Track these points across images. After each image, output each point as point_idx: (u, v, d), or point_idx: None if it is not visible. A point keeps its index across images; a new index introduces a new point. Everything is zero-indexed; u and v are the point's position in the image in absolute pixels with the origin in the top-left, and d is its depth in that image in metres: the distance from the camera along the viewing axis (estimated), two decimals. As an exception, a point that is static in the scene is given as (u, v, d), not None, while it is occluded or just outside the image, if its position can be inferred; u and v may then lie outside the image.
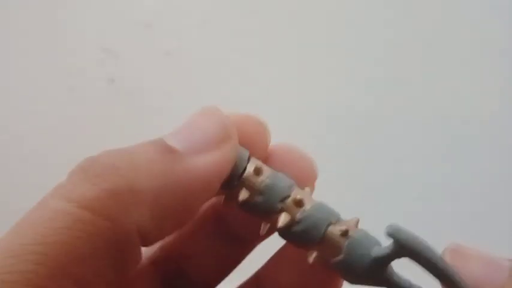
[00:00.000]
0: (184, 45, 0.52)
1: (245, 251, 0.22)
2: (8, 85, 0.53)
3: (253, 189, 0.19)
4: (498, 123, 0.51)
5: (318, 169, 0.21)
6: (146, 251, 0.21)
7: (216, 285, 0.21)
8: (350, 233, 0.19)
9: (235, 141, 0.18)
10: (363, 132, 0.50)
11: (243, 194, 0.19)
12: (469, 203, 0.50)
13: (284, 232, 0.19)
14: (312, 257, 0.19)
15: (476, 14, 0.52)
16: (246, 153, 0.19)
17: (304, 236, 0.19)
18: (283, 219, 0.19)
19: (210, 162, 0.17)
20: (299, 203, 0.19)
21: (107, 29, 0.52)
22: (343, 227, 0.19)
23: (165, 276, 0.21)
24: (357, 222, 0.19)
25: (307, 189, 0.20)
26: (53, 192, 0.16)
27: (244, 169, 0.19)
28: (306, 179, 0.20)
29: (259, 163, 0.19)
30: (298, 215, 0.19)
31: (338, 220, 0.19)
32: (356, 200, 0.49)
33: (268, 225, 0.19)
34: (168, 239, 0.21)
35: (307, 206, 0.19)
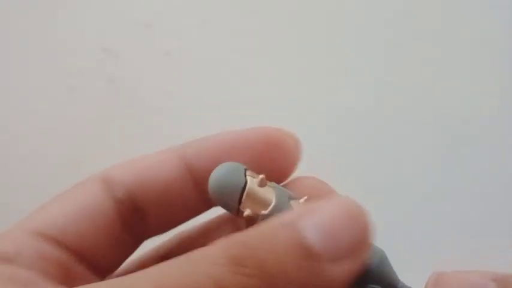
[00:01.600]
0: (184, 45, 0.52)
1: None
2: (8, 85, 0.53)
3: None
4: (498, 123, 0.51)
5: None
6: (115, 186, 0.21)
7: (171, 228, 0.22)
8: None
9: (369, 246, 0.16)
10: (363, 132, 0.50)
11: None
12: (469, 203, 0.50)
13: None
14: None
15: (476, 14, 0.52)
16: (286, 195, 0.20)
17: None
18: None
19: (347, 272, 0.15)
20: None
21: (107, 29, 0.52)
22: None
23: (124, 214, 0.21)
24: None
25: None
26: (203, 267, 0.15)
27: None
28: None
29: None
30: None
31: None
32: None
33: None
34: (133, 178, 0.21)
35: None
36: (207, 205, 0.22)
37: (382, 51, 0.52)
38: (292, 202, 0.20)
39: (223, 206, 0.20)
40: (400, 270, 0.20)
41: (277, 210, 0.19)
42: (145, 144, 0.52)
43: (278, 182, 0.21)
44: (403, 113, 0.51)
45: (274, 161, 0.21)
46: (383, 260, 0.20)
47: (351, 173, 0.50)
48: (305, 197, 0.20)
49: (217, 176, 0.20)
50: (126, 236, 0.21)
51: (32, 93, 0.52)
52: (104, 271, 0.21)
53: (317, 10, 0.52)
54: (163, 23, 0.52)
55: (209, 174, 0.20)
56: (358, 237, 0.16)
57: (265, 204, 0.19)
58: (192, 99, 0.52)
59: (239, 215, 0.20)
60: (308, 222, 0.15)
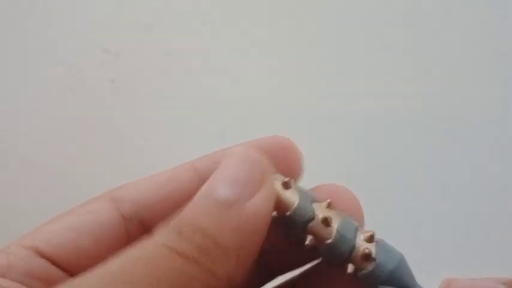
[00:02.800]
0: (184, 45, 0.52)
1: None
2: (8, 85, 0.53)
3: (321, 239, 0.20)
4: (498, 123, 0.51)
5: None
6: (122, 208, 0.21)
7: None
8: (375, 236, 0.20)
9: (270, 171, 0.19)
10: (362, 132, 0.50)
11: (310, 241, 0.20)
12: (469, 203, 0.50)
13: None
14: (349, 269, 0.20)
15: (476, 13, 0.52)
16: (309, 197, 0.20)
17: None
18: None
19: (261, 202, 0.18)
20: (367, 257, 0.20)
21: (107, 29, 0.52)
22: (367, 250, 0.20)
23: (133, 232, 0.21)
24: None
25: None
26: (158, 240, 0.17)
27: (310, 217, 0.20)
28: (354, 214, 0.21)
29: (326, 212, 0.20)
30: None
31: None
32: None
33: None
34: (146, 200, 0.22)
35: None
36: None
37: (381, 51, 0.52)
38: (315, 205, 0.20)
39: None
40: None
41: (299, 211, 0.20)
42: (145, 144, 0.52)
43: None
44: (403, 113, 0.51)
45: (287, 168, 0.22)
46: (401, 263, 0.20)
47: (350, 172, 0.50)
48: (328, 200, 0.21)
49: None
50: None
51: (32, 93, 0.52)
52: None
53: (318, 10, 0.52)
54: (163, 23, 0.52)
55: None
56: (255, 174, 0.18)
57: (288, 205, 0.20)
58: (192, 99, 0.52)
59: None
60: (217, 183, 0.18)
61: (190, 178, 0.22)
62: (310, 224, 0.20)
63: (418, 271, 0.20)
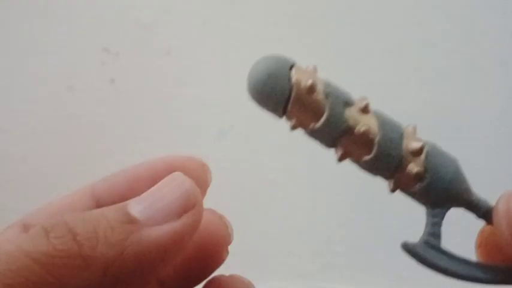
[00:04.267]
0: (184, 45, 0.52)
1: None
2: (8, 85, 0.53)
3: (358, 155, 0.17)
4: (498, 123, 0.51)
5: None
6: None
7: None
8: (425, 149, 0.18)
9: (198, 209, 0.18)
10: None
11: (342, 156, 0.17)
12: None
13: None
14: (391, 185, 0.18)
15: (477, 14, 0.52)
16: (341, 99, 0.17)
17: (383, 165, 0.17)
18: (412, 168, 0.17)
19: (167, 233, 0.17)
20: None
21: (107, 29, 0.52)
22: (418, 144, 0.17)
23: None
24: (415, 127, 0.18)
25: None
26: (13, 238, 0.17)
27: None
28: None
29: (362, 118, 0.17)
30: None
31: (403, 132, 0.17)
32: (356, 200, 0.49)
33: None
34: None
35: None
36: None
37: (381, 51, 0.52)
38: (348, 110, 0.17)
39: (265, 109, 0.17)
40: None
41: (329, 123, 0.16)
42: (145, 143, 0.52)
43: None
44: (403, 113, 0.51)
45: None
46: (455, 168, 0.18)
47: (350, 172, 0.50)
48: (365, 102, 0.17)
49: (254, 79, 0.17)
50: None
51: (32, 93, 0.52)
52: None
53: (317, 10, 0.52)
54: (163, 23, 0.52)
55: None
56: (175, 200, 0.18)
57: (316, 114, 0.17)
58: (192, 99, 0.52)
59: (285, 119, 0.17)
60: (135, 199, 0.18)
61: (87, 204, 0.22)
62: (344, 137, 0.17)
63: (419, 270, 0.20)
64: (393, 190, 0.18)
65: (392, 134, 0.17)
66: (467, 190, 0.18)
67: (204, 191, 0.21)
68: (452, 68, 0.52)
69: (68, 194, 0.22)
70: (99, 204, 0.21)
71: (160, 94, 0.52)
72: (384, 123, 0.17)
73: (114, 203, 0.20)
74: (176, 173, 0.19)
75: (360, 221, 0.50)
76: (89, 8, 0.52)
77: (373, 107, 0.17)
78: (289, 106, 0.16)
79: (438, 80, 0.52)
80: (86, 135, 0.52)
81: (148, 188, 0.19)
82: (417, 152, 0.17)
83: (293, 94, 0.17)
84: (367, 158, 0.17)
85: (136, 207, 0.18)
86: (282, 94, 0.17)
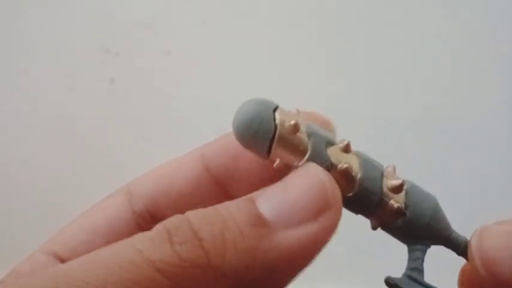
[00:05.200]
0: (184, 45, 0.52)
1: None
2: (8, 85, 0.53)
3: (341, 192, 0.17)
4: (498, 123, 0.51)
5: None
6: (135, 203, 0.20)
7: None
8: (405, 186, 0.18)
9: (337, 209, 0.16)
10: (361, 132, 0.50)
11: None
12: (468, 203, 0.50)
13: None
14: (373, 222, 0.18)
15: (477, 13, 0.52)
16: (323, 139, 0.17)
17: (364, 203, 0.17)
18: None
19: (305, 238, 0.15)
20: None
21: (107, 29, 0.52)
22: (398, 181, 0.17)
23: (144, 227, 0.20)
24: (394, 167, 0.18)
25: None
26: (134, 241, 0.15)
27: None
28: None
29: (344, 157, 0.17)
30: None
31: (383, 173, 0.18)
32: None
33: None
34: (158, 194, 0.20)
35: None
36: None
37: (381, 51, 0.52)
38: (330, 150, 0.17)
39: (250, 150, 0.17)
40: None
41: (313, 161, 0.17)
42: (145, 143, 0.52)
43: None
44: (402, 113, 0.51)
45: None
46: (434, 206, 0.18)
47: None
48: (345, 142, 0.18)
49: (240, 121, 0.17)
50: None
51: (32, 93, 0.52)
52: None
53: (317, 10, 0.52)
54: (163, 23, 0.52)
55: (230, 175, 0.19)
56: (311, 199, 0.16)
57: (299, 153, 0.17)
58: (192, 99, 0.52)
59: (270, 161, 0.17)
60: (263, 194, 0.16)
61: (196, 167, 0.20)
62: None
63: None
64: (375, 227, 0.18)
65: (373, 172, 0.18)
66: (446, 227, 0.18)
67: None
68: (452, 68, 0.52)
69: (176, 158, 0.21)
70: (209, 168, 0.20)
71: (160, 94, 0.52)
72: (365, 161, 0.18)
73: (225, 166, 0.19)
74: (310, 163, 0.17)
75: (360, 221, 0.50)
76: (89, 8, 0.52)
77: (354, 147, 0.18)
78: (274, 145, 0.17)
79: (438, 80, 0.52)
80: (85, 135, 0.52)
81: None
82: (397, 189, 0.18)
83: (277, 134, 0.17)
84: (349, 195, 0.17)
85: (266, 205, 0.15)
86: (267, 134, 0.17)
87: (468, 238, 0.18)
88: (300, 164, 0.17)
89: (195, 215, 0.15)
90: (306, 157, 0.17)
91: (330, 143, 0.18)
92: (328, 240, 0.16)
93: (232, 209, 0.15)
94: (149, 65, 0.52)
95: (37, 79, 0.52)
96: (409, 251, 0.18)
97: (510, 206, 0.49)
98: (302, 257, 0.15)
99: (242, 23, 0.52)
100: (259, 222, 0.15)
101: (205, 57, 0.52)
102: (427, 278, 0.18)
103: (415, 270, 0.18)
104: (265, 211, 0.15)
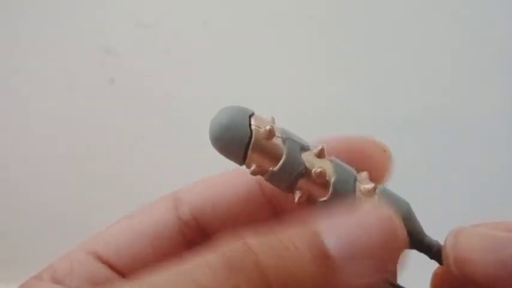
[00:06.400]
0: (184, 45, 0.52)
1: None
2: (8, 85, 0.53)
3: (314, 196, 0.18)
4: (498, 123, 0.51)
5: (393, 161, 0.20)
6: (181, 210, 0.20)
7: None
8: (377, 189, 0.18)
9: (402, 244, 0.16)
10: (361, 132, 0.50)
11: (300, 198, 0.18)
12: (468, 203, 0.50)
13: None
14: None
15: (476, 13, 0.52)
16: (298, 145, 0.18)
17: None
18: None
19: (369, 272, 0.15)
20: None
21: (107, 29, 0.52)
22: (370, 185, 0.18)
23: (191, 237, 0.20)
24: (367, 173, 0.18)
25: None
26: (194, 273, 0.14)
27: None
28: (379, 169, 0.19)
29: (318, 162, 0.18)
30: None
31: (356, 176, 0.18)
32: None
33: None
34: (201, 201, 0.20)
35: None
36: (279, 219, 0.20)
37: (381, 51, 0.52)
38: (304, 155, 0.18)
39: (226, 156, 0.18)
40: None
41: (287, 166, 0.17)
42: (145, 143, 0.52)
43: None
44: (402, 113, 0.51)
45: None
46: (407, 211, 0.18)
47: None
48: (319, 147, 0.18)
49: (216, 127, 0.18)
50: None
51: (32, 93, 0.52)
52: None
53: (317, 10, 0.52)
54: (163, 23, 0.52)
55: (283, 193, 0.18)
56: (377, 233, 0.15)
57: (274, 159, 0.17)
58: (192, 99, 0.52)
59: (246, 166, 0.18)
60: (328, 224, 0.15)
61: (250, 181, 0.20)
62: (301, 180, 0.17)
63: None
64: None
65: (346, 177, 0.18)
66: (419, 231, 0.19)
67: (384, 181, 0.19)
68: (452, 68, 0.52)
69: (223, 173, 0.21)
70: (263, 185, 0.19)
71: (160, 94, 0.52)
72: (338, 166, 0.18)
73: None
74: (383, 211, 0.16)
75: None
76: (89, 7, 0.52)
77: (326, 153, 0.18)
78: (249, 151, 0.17)
79: (438, 80, 0.52)
80: (85, 135, 0.52)
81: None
82: (370, 193, 0.18)
83: (253, 139, 0.17)
84: (323, 199, 0.18)
85: (332, 238, 0.15)
86: (242, 139, 0.17)
87: (441, 243, 0.18)
88: (276, 169, 0.17)
89: (258, 246, 0.15)
90: (281, 162, 0.17)
91: (305, 148, 0.18)
92: (392, 277, 0.16)
93: (294, 237, 0.15)
94: (149, 65, 0.52)
95: (37, 79, 0.52)
96: None
97: (510, 206, 0.49)
98: None
99: (242, 23, 0.52)
100: (325, 257, 0.15)
101: (205, 57, 0.52)
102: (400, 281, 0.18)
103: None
104: (332, 245, 0.15)
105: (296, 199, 0.18)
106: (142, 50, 0.52)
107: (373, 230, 0.15)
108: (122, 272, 0.20)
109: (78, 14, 0.52)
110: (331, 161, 0.18)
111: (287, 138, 0.18)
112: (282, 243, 0.15)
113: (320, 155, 0.18)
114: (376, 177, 0.18)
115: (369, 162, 0.19)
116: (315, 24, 0.52)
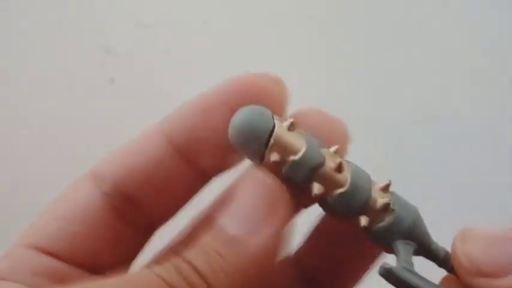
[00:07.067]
0: (184, 45, 0.52)
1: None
2: (8, 85, 0.53)
3: (332, 187, 0.18)
4: (498, 123, 0.51)
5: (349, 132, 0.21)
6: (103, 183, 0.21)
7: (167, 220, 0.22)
8: (390, 187, 0.19)
9: (284, 206, 0.18)
10: (361, 132, 0.50)
11: (319, 189, 0.18)
12: (468, 204, 0.50)
13: (326, 203, 0.19)
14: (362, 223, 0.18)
15: (476, 12, 0.52)
16: (316, 142, 0.19)
17: (349, 205, 0.18)
18: (317, 188, 0.18)
19: (269, 237, 0.17)
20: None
21: (107, 29, 0.52)
22: (385, 182, 0.19)
23: (118, 208, 0.21)
24: (389, 186, 0.19)
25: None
26: (157, 271, 0.17)
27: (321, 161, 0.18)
28: (338, 142, 0.20)
29: (336, 158, 0.18)
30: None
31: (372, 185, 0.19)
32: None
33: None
34: (126, 171, 0.21)
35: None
36: (203, 179, 0.21)
37: (382, 51, 0.52)
38: (323, 150, 0.18)
39: (246, 153, 0.19)
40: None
41: (307, 156, 0.18)
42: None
43: None
44: (402, 113, 0.51)
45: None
46: (416, 218, 0.18)
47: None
48: (335, 147, 0.19)
49: (242, 118, 0.18)
50: (127, 231, 0.20)
51: (31, 93, 0.52)
52: (112, 271, 0.20)
53: (316, 10, 0.52)
54: (163, 23, 0.52)
55: (193, 145, 0.19)
56: (260, 205, 0.17)
57: (294, 150, 0.18)
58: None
59: (263, 163, 0.18)
60: (223, 214, 0.17)
61: (159, 142, 0.21)
62: (320, 171, 0.18)
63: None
64: (363, 226, 0.18)
65: (361, 172, 0.19)
66: (428, 235, 0.19)
67: (283, 110, 0.20)
68: (451, 68, 0.52)
69: (133, 139, 0.21)
70: (174, 143, 0.20)
71: (160, 94, 0.52)
72: (352, 164, 0.19)
73: (187, 140, 0.20)
74: (252, 170, 0.18)
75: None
76: (89, 7, 0.52)
77: (355, 147, 0.20)
78: (272, 140, 0.18)
79: (438, 80, 0.52)
80: (85, 135, 0.52)
81: (222, 116, 0.19)
82: (385, 189, 0.19)
83: (276, 128, 0.18)
84: (341, 190, 0.18)
85: (232, 223, 0.17)
86: (266, 128, 0.18)
87: (445, 245, 0.19)
88: (297, 158, 0.18)
89: (193, 255, 0.17)
90: (303, 151, 0.18)
91: (322, 146, 0.19)
92: (281, 241, 0.17)
93: (212, 238, 0.17)
94: (149, 65, 0.52)
95: (37, 79, 0.52)
96: (397, 250, 0.18)
97: (511, 206, 0.49)
98: (269, 257, 0.17)
99: (242, 23, 0.52)
100: (234, 241, 0.17)
101: (205, 57, 0.52)
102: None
103: (407, 262, 0.18)
104: (234, 230, 0.17)
105: (315, 190, 0.18)
106: (142, 50, 0.52)
107: (250, 200, 0.17)
108: (63, 257, 0.20)
109: (78, 14, 0.52)
110: (347, 160, 0.19)
111: (306, 133, 0.19)
112: (205, 245, 0.17)
113: (337, 152, 0.19)
114: (277, 111, 0.19)
115: (266, 100, 0.19)
116: (315, 24, 0.52)
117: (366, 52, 0.52)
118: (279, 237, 0.17)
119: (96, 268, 0.20)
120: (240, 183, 0.18)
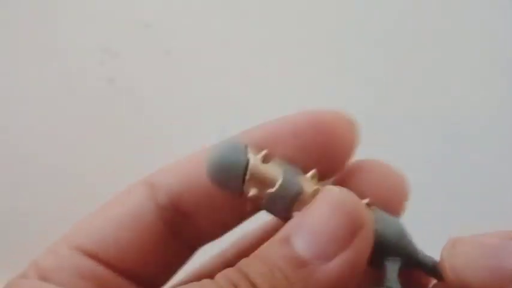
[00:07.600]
0: (184, 45, 0.52)
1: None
2: (8, 85, 0.52)
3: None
4: (498, 123, 0.51)
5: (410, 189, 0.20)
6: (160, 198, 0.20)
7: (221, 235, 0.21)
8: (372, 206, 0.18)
9: (368, 227, 0.17)
10: (361, 132, 0.50)
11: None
12: (469, 203, 0.50)
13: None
14: None
15: (476, 13, 0.52)
16: (293, 170, 0.18)
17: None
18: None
19: (341, 267, 0.16)
20: None
21: (107, 29, 0.52)
22: (364, 201, 0.18)
23: (170, 220, 0.20)
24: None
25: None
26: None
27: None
28: (395, 198, 0.19)
29: (314, 185, 0.18)
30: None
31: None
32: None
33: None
34: (179, 187, 0.20)
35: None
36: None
37: (382, 51, 0.52)
38: (300, 178, 0.18)
39: (224, 189, 0.18)
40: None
41: (284, 187, 0.18)
42: (145, 143, 0.52)
43: (331, 174, 0.20)
44: (402, 114, 0.51)
45: (325, 150, 0.19)
46: (399, 231, 0.18)
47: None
48: (313, 171, 0.18)
49: (215, 155, 0.18)
50: (175, 244, 0.20)
51: (31, 93, 0.52)
52: (153, 283, 0.20)
53: (317, 10, 0.52)
54: (163, 23, 0.52)
55: None
56: (342, 227, 0.16)
57: (271, 182, 0.18)
58: (192, 99, 0.52)
59: (243, 197, 0.18)
60: (294, 232, 0.16)
61: None
62: (299, 198, 0.18)
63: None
64: None
65: None
66: (414, 246, 0.19)
67: (352, 153, 0.19)
68: (451, 68, 0.52)
69: (194, 153, 0.21)
70: None
71: (160, 94, 0.52)
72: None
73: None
74: (329, 186, 0.17)
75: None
76: (88, 7, 0.52)
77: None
78: (248, 175, 0.18)
79: (438, 80, 0.52)
80: (85, 135, 0.52)
81: (289, 144, 0.18)
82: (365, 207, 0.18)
83: (250, 162, 0.18)
84: None
85: (300, 244, 0.16)
86: (240, 165, 0.18)
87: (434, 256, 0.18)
88: (274, 190, 0.18)
89: (251, 267, 0.16)
90: (279, 182, 0.18)
91: (299, 173, 0.18)
92: (366, 258, 0.16)
93: (271, 253, 0.16)
94: (149, 65, 0.52)
95: (37, 79, 0.52)
96: (383, 270, 0.18)
97: (511, 206, 0.49)
98: (344, 282, 0.16)
99: (242, 23, 0.52)
100: (300, 263, 0.16)
101: (205, 57, 0.52)
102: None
103: (394, 281, 0.18)
104: (302, 251, 0.16)
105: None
106: (142, 50, 0.52)
107: (328, 215, 0.16)
108: (109, 263, 0.20)
109: (78, 14, 0.52)
110: (325, 184, 0.19)
111: (282, 163, 0.18)
112: (265, 257, 0.16)
113: (313, 178, 0.18)
114: (342, 155, 0.19)
115: (333, 138, 0.19)
116: (316, 24, 0.52)
117: (365, 52, 0.52)
118: (354, 266, 0.16)
119: (139, 278, 0.20)
120: (317, 201, 0.17)
